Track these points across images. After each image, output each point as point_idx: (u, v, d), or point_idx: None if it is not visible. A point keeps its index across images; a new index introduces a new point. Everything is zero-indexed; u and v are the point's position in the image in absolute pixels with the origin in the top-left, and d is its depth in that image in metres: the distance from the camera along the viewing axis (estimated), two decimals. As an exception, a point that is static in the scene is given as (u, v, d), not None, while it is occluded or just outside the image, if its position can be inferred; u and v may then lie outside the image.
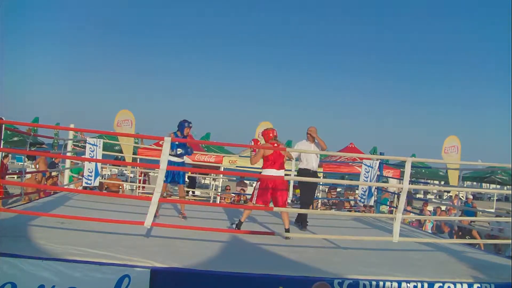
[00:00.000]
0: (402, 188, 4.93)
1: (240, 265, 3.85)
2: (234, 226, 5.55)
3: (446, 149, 12.94)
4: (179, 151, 6.14)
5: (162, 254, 3.95)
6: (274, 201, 5.39)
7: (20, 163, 19.08)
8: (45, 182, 9.83)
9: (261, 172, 5.49)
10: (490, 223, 10.77)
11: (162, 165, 4.28)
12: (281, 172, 5.39)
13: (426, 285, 3.81)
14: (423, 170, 18.93)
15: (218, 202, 12.03)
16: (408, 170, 4.90)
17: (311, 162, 6.20)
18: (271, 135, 5.49)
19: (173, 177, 6.21)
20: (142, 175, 12.53)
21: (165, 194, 6.60)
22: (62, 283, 3.33)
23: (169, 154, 5.88)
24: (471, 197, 13.46)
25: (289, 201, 10.48)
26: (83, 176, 7.99)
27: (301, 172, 6.31)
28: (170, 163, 5.87)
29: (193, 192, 11.80)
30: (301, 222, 6.18)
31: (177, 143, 6.08)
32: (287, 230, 5.25)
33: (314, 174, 6.20)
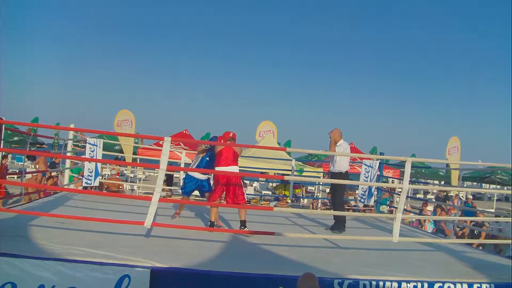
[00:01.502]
0: (402, 188, 4.93)
1: (240, 265, 3.85)
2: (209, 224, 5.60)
3: (450, 150, 12.96)
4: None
5: (162, 254, 3.95)
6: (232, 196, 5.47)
7: (20, 163, 19.08)
8: (45, 182, 9.83)
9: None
10: (490, 223, 10.76)
11: (162, 166, 4.28)
12: (229, 168, 5.50)
13: (426, 285, 3.81)
14: (423, 170, 18.94)
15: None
16: (408, 170, 4.91)
17: (332, 164, 6.34)
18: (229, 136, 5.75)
19: (197, 189, 6.33)
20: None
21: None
22: (62, 283, 3.33)
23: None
24: (471, 197, 13.49)
25: (288, 201, 10.51)
26: (83, 176, 8.00)
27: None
28: (193, 179, 6.22)
29: (170, 190, 11.84)
30: (336, 226, 6.21)
31: (207, 158, 6.07)
32: (243, 223, 5.34)
33: (334, 175, 6.27)
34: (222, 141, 5.88)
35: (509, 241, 6.55)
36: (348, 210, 9.53)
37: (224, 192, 5.56)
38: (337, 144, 6.27)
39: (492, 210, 14.14)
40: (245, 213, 5.44)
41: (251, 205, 10.87)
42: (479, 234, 9.37)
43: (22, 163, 14.65)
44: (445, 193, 14.53)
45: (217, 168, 5.56)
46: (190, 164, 6.56)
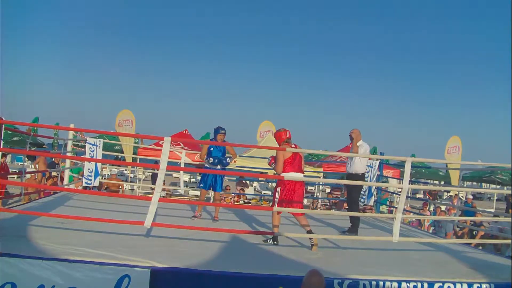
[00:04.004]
0: (402, 188, 4.93)
1: (240, 265, 3.85)
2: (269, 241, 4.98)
3: (449, 149, 12.94)
4: (211, 160, 6.14)
5: (162, 254, 3.95)
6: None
7: (20, 163, 19.07)
8: (45, 182, 9.83)
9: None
10: (489, 223, 10.76)
11: (162, 165, 4.28)
12: (301, 176, 5.11)
13: (426, 285, 3.81)
14: (423, 170, 18.94)
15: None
16: (408, 170, 4.90)
17: (348, 164, 6.23)
18: (283, 137, 5.21)
19: (210, 184, 6.30)
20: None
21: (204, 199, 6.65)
22: (62, 283, 3.33)
23: (206, 163, 6.17)
24: (471, 197, 13.48)
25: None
26: (83, 176, 7.99)
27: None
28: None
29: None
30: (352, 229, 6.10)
31: (212, 149, 6.19)
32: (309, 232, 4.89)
33: (350, 176, 6.12)
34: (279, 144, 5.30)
35: (509, 241, 6.55)
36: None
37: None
38: (358, 144, 6.08)
39: (492, 210, 14.14)
40: (305, 221, 4.94)
41: (251, 205, 10.89)
42: (477, 234, 9.38)
43: (22, 163, 14.64)
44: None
45: (289, 174, 4.98)
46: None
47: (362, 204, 9.55)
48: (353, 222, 6.13)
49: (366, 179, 7.56)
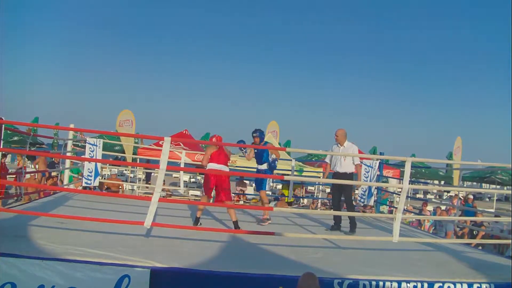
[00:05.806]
0: (402, 188, 4.93)
1: (240, 265, 3.85)
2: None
3: (455, 150, 12.97)
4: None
5: (162, 254, 3.95)
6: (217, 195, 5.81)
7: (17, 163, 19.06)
8: (45, 182, 9.83)
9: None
10: (490, 223, 10.76)
11: (162, 165, 4.28)
12: (220, 166, 5.75)
13: (426, 285, 3.81)
14: (423, 170, 18.95)
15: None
16: (408, 170, 4.90)
17: (333, 164, 6.32)
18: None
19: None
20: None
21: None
22: (62, 283, 3.33)
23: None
24: (471, 197, 13.46)
25: (287, 200, 10.52)
26: (83, 176, 7.99)
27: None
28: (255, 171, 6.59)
29: (147, 187, 12.11)
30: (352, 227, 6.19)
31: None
32: (236, 223, 5.59)
33: (338, 176, 6.19)
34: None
35: (509, 241, 6.56)
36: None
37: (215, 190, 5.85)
38: (344, 146, 6.20)
39: (492, 210, 14.14)
40: (234, 214, 5.69)
41: (251, 205, 10.88)
42: (478, 234, 9.38)
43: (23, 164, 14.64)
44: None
45: (211, 165, 5.77)
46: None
47: (362, 204, 9.58)
48: (353, 220, 6.13)
49: (365, 179, 7.59)
